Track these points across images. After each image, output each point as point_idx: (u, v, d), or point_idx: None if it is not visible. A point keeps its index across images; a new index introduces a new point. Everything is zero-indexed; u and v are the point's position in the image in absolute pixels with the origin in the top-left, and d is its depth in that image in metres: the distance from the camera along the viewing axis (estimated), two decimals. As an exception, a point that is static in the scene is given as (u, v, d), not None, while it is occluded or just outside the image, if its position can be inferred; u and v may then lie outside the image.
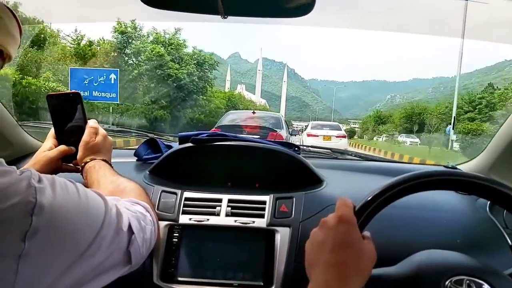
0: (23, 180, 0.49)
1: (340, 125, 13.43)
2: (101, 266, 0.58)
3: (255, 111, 8.11)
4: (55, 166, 0.90)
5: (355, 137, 38.37)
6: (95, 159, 0.88)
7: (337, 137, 10.34)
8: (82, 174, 0.88)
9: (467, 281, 0.57)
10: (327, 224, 0.56)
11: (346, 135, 11.47)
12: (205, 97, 20.29)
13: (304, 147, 1.42)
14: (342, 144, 9.91)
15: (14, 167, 0.50)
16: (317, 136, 10.03)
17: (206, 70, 20.21)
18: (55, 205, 0.50)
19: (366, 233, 0.57)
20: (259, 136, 5.89)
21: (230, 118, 7.88)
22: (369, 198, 0.59)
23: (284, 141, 1.34)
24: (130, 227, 0.64)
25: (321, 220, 0.57)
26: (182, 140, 1.15)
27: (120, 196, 0.73)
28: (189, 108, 18.82)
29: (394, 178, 0.59)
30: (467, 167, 1.28)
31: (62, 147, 0.91)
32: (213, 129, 6.66)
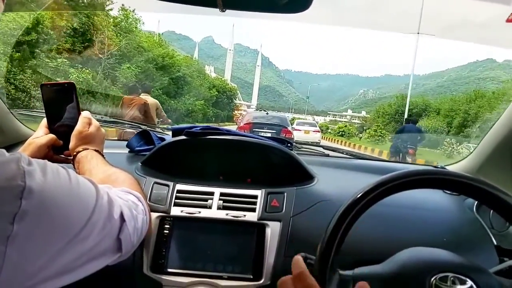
0: (11, 162, 0.48)
1: (316, 122, 21.43)
2: (91, 252, 0.58)
3: (268, 112, 11.18)
4: (43, 154, 0.89)
5: (360, 136, 24.94)
6: (88, 148, 0.88)
7: (313, 131, 15.36)
8: (73, 164, 0.88)
9: (452, 278, 0.58)
10: (286, 285, 0.57)
11: (319, 130, 16.71)
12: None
13: (296, 144, 1.43)
14: (317, 136, 15.01)
15: (4, 150, 0.49)
16: (300, 130, 14.87)
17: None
18: (45, 189, 0.50)
19: None
20: (275, 131, 9.20)
21: (250, 116, 10.39)
22: (325, 241, 0.58)
23: (277, 136, 1.39)
24: (121, 215, 0.64)
25: (278, 282, 0.58)
26: (175, 132, 1.15)
27: (112, 186, 0.73)
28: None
29: (370, 183, 0.60)
30: (456, 168, 1.31)
31: (51, 135, 0.91)
32: (240, 126, 9.36)
